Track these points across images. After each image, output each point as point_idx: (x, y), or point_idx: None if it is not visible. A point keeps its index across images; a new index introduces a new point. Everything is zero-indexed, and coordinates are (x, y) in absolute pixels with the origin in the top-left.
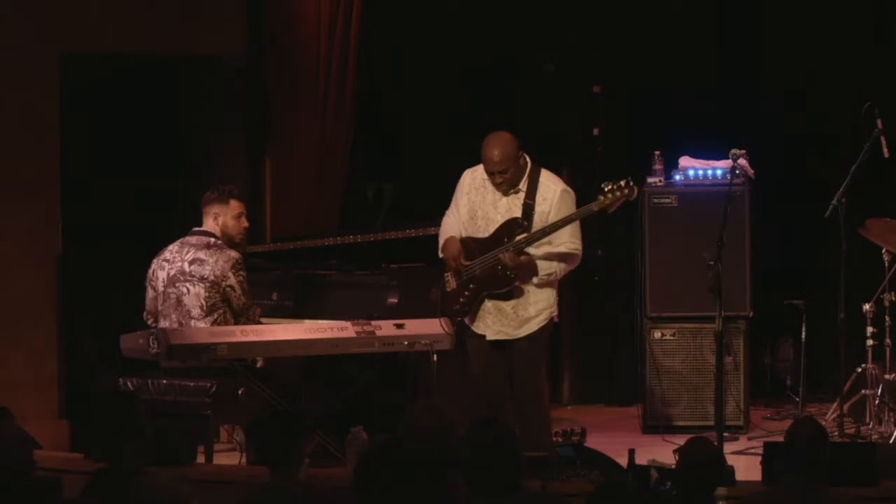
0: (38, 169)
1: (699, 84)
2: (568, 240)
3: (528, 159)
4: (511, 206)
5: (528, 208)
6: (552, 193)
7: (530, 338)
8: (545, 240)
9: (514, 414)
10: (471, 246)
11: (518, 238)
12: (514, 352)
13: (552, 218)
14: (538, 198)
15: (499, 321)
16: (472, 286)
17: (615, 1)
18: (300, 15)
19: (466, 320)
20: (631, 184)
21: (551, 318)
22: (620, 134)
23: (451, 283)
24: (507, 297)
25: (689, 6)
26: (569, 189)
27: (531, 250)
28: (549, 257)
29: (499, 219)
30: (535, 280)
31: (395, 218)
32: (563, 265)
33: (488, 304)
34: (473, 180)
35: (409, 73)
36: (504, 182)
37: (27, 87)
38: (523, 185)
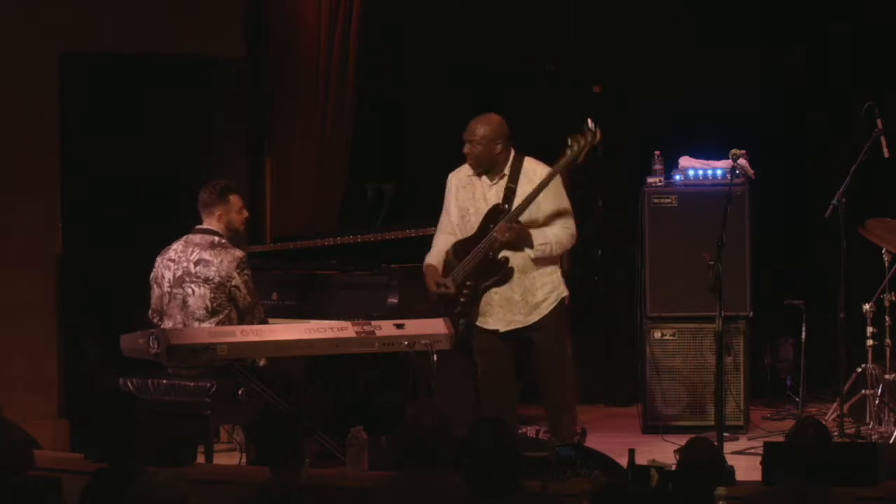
0: (38, 169)
1: (699, 84)
2: (559, 220)
3: (513, 151)
4: (498, 194)
5: (510, 191)
6: (537, 176)
7: (544, 324)
8: (536, 220)
9: (518, 415)
10: (461, 248)
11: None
12: (531, 343)
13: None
14: (521, 180)
15: (509, 311)
16: (469, 283)
17: (615, 1)
18: (300, 15)
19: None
20: (592, 126)
21: (562, 301)
22: (620, 134)
23: (450, 288)
24: (506, 281)
25: (689, 6)
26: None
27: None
28: (542, 229)
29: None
30: (531, 253)
31: (395, 218)
32: (555, 234)
33: (495, 297)
34: (459, 180)
35: (410, 74)
36: (469, 154)
37: (27, 87)
38: (507, 171)
